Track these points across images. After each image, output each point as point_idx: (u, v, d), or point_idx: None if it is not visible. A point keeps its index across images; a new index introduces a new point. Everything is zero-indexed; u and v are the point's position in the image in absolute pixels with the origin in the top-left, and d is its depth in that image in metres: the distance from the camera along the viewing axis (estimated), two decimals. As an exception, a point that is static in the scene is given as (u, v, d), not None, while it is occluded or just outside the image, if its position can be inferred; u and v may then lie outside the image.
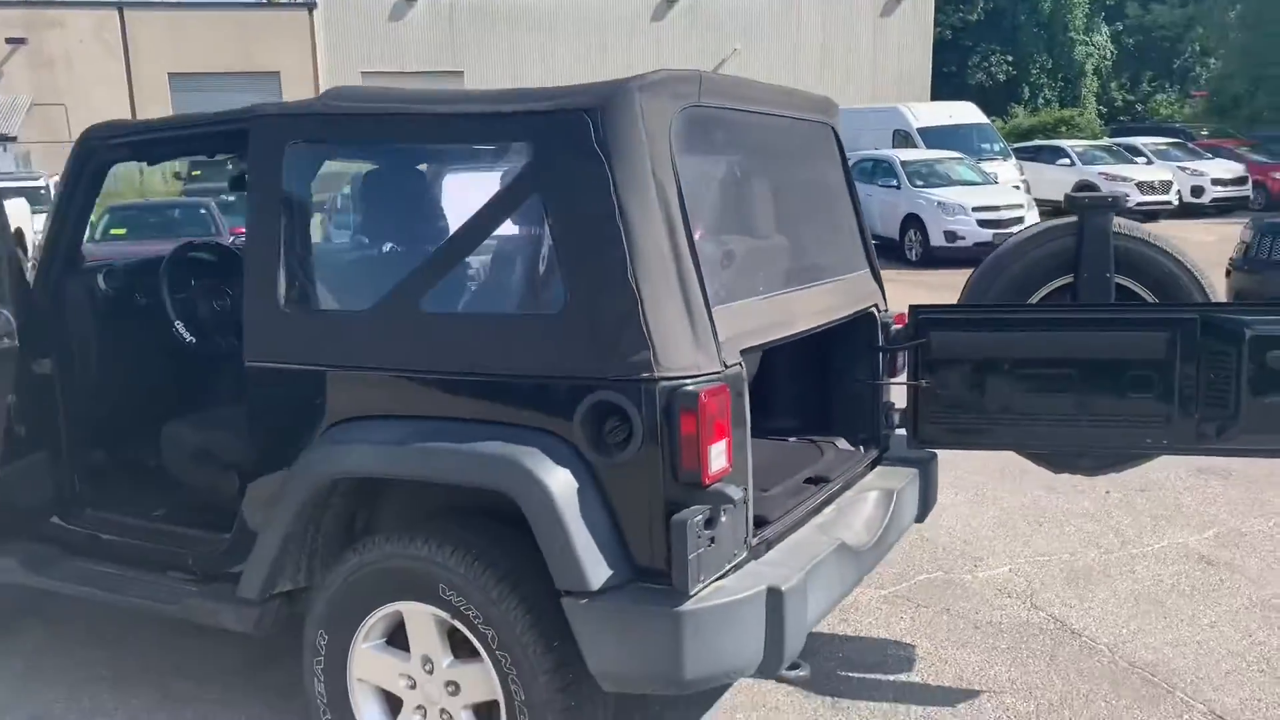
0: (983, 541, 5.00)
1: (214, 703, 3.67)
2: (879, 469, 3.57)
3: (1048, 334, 3.39)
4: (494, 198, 2.70)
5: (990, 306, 3.61)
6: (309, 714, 3.02)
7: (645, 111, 2.58)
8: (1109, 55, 43.26)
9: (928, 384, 3.48)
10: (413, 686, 2.86)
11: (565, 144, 2.57)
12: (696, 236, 2.62)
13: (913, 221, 16.07)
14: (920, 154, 18.48)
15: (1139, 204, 20.49)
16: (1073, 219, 3.62)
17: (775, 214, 3.18)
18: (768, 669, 2.61)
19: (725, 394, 2.53)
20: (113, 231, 13.63)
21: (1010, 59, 41.70)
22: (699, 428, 2.45)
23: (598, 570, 2.50)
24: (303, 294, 2.97)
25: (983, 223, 15.50)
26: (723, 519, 2.52)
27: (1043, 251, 3.66)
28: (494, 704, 2.75)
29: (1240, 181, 21.94)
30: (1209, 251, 15.16)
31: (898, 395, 3.70)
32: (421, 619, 2.79)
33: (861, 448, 3.61)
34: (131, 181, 22.51)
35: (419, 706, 2.87)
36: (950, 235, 15.62)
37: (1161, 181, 20.87)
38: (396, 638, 2.91)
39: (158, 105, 30.31)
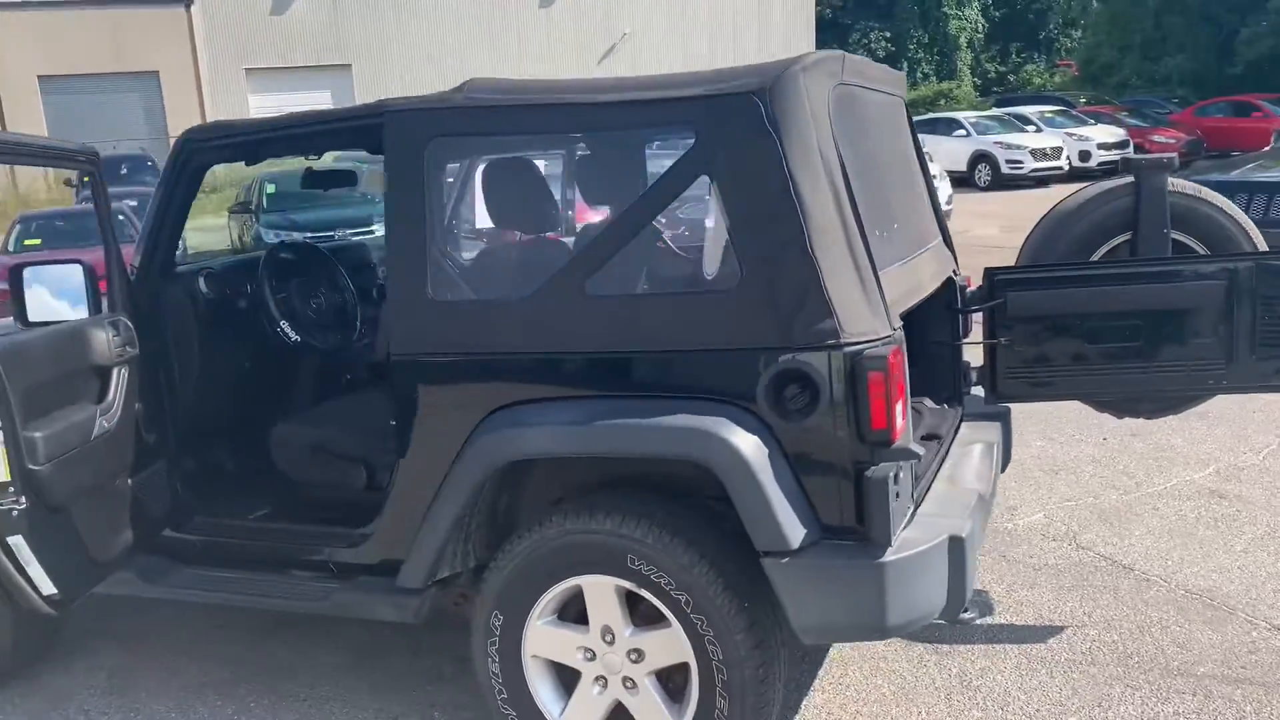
0: (1010, 491, 5.27)
1: (329, 699, 3.69)
2: (967, 424, 3.78)
3: (1115, 288, 3.63)
4: (660, 181, 2.80)
5: (1060, 265, 3.84)
6: (482, 695, 3.08)
7: (808, 90, 2.71)
8: (980, 29, 44.78)
9: (1006, 341, 3.70)
10: (591, 658, 2.95)
11: (735, 125, 2.68)
12: (855, 207, 2.76)
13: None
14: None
15: (1033, 170, 21.49)
16: (1130, 179, 3.87)
17: (891, 185, 3.34)
18: (950, 612, 2.78)
19: (901, 355, 2.68)
20: (26, 242, 13.07)
21: (888, 35, 42.86)
22: (887, 388, 2.60)
23: (795, 530, 2.64)
24: (454, 285, 3.02)
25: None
26: (903, 474, 2.68)
27: (1104, 211, 3.90)
28: (678, 667, 2.86)
29: (1123, 145, 23.06)
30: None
31: (971, 354, 3.91)
32: (602, 591, 2.88)
33: (946, 405, 3.81)
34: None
35: (599, 677, 2.95)
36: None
37: (1053, 148, 21.87)
38: (565, 612, 2.99)
39: (27, 111, 29.01)
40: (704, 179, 2.73)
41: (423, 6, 33.97)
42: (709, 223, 2.82)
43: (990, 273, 3.72)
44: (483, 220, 3.30)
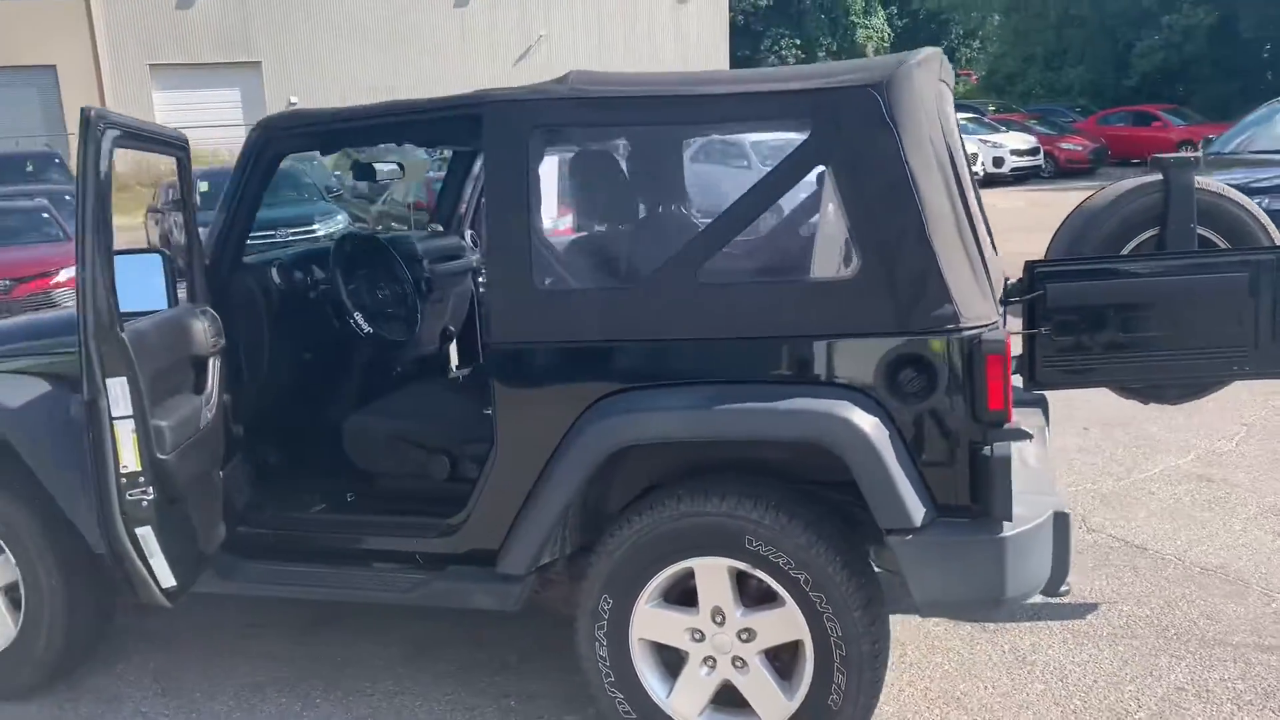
0: (1011, 479, 5.47)
1: (397, 693, 3.67)
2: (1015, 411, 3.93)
3: (1149, 280, 3.82)
4: (774, 171, 2.87)
5: (1096, 258, 4.03)
6: (589, 680, 3.11)
7: (920, 85, 2.82)
8: (886, 37, 45.89)
9: (1045, 331, 3.86)
10: (699, 639, 3.00)
11: (854, 118, 2.78)
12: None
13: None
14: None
15: (951, 175, 22.08)
16: (1158, 177, 4.08)
17: (963, 177, 3.47)
18: (1052, 586, 2.92)
19: (1010, 338, 2.81)
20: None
21: (798, 42, 43.66)
22: (1004, 370, 2.72)
23: (918, 509, 2.74)
24: (558, 274, 3.05)
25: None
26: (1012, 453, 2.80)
27: (1134, 207, 4.10)
28: (785, 646, 2.94)
29: (1034, 152, 23.90)
30: (1020, 217, 16.71)
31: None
32: (714, 572, 2.94)
33: None
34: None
35: (707, 658, 3.01)
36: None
37: (970, 154, 22.33)
38: (669, 595, 3.04)
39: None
40: (820, 169, 2.81)
41: (335, 4, 33.42)
42: (823, 213, 2.91)
43: (1030, 266, 3.88)
44: (574, 210, 3.33)
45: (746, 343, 2.88)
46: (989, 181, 22.42)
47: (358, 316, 3.62)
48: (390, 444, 3.52)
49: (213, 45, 32.67)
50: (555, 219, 3.06)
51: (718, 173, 3.09)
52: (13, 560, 3.56)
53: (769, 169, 2.87)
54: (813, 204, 2.91)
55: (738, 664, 2.99)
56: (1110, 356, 3.88)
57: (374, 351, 3.95)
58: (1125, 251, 4.14)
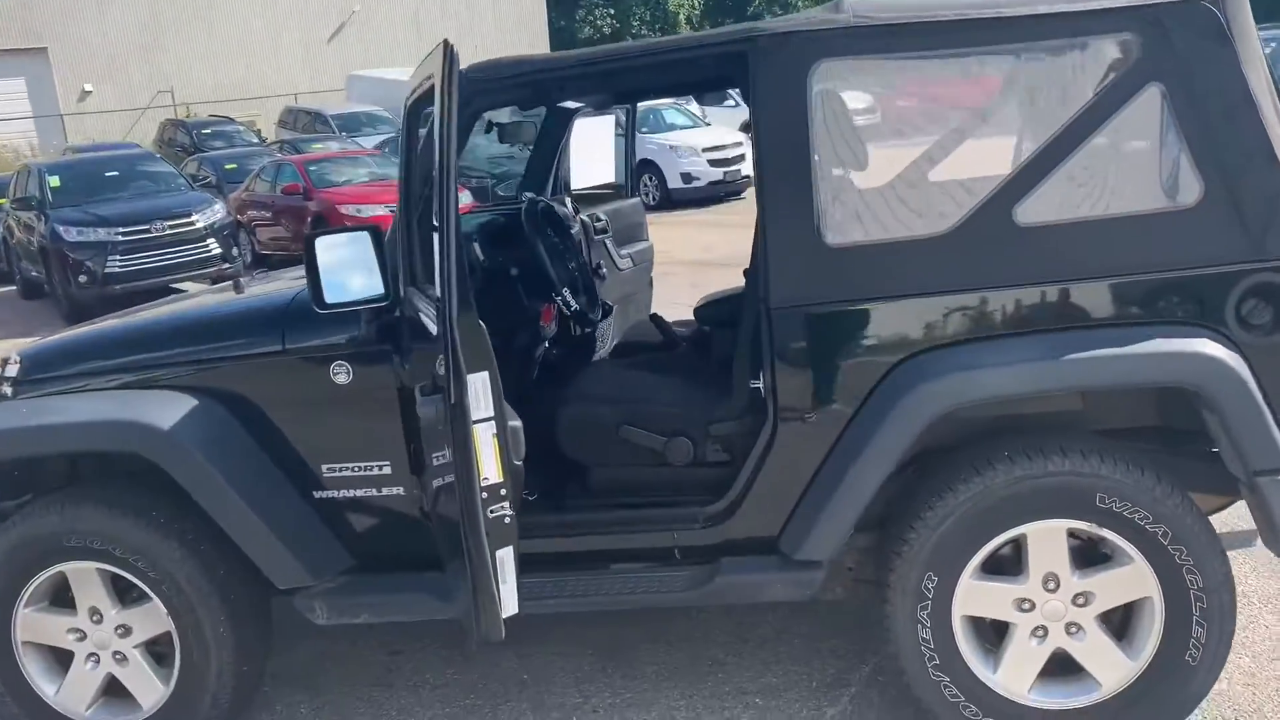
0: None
1: (615, 706, 3.30)
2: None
3: None
4: (1098, 95, 2.64)
5: None
6: (905, 668, 2.83)
7: (1244, -1, 2.65)
8: (697, 6, 46.25)
9: None
10: (1028, 609, 2.78)
11: (1190, 32, 2.58)
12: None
13: (647, 167, 16.47)
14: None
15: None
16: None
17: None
18: None
19: None
20: None
21: (612, 12, 43.41)
22: (1362, 296, 2.60)
23: (1286, 447, 2.59)
24: (849, 226, 2.74)
25: (712, 162, 16.28)
26: None
27: None
28: (1132, 605, 2.76)
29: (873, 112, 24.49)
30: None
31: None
32: (1050, 536, 2.72)
33: None
34: None
35: (1037, 628, 2.79)
36: (686, 177, 16.25)
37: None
38: (986, 565, 2.81)
39: None
40: (1153, 89, 2.61)
41: (128, -20, 30.94)
42: (1152, 138, 2.70)
43: None
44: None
45: (1075, 285, 2.66)
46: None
47: (565, 293, 3.19)
48: (618, 433, 3.11)
49: (-10, 30, 29.71)
50: (847, 162, 2.73)
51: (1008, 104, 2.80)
52: (163, 609, 2.99)
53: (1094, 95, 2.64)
54: (1136, 128, 2.70)
55: (1072, 630, 2.78)
56: None
57: (560, 332, 3.51)
58: None
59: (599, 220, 4.60)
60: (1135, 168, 2.78)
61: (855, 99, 2.86)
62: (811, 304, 2.75)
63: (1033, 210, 2.67)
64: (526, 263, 3.29)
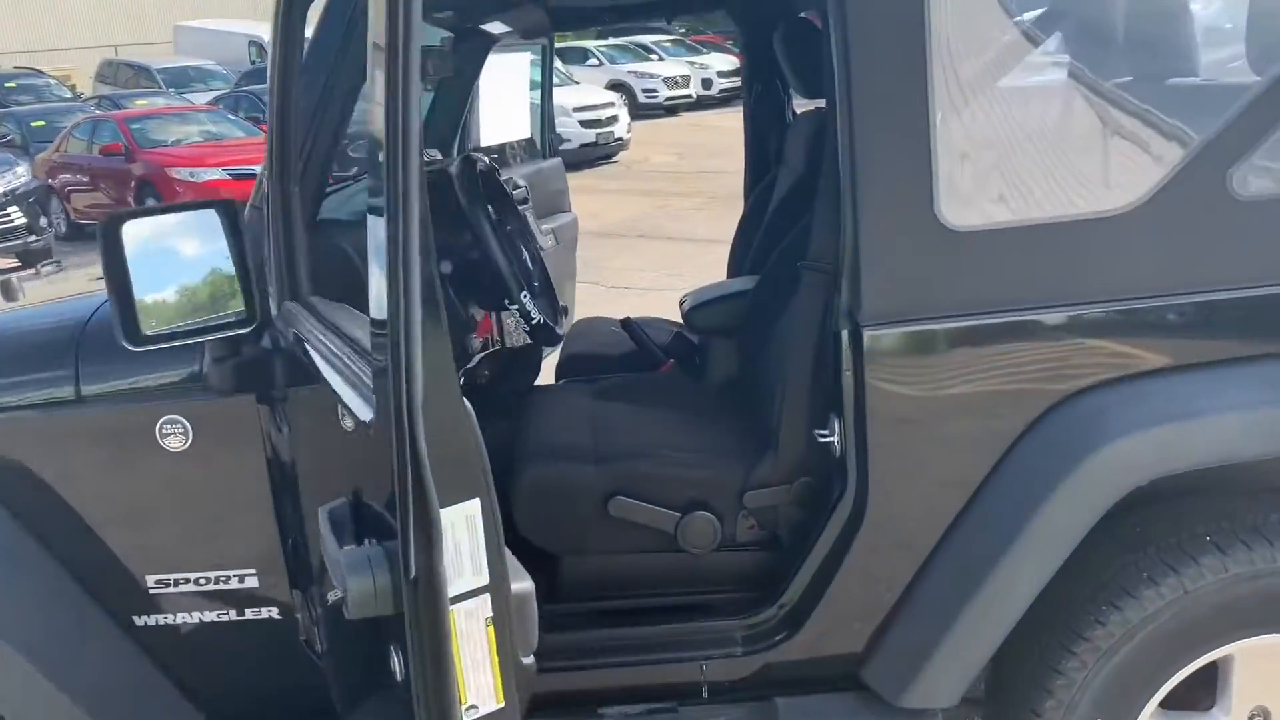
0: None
1: None
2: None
3: None
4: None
5: None
6: None
7: None
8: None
9: None
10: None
11: None
12: None
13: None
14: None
15: (668, 99, 21.69)
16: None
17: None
18: None
19: None
20: None
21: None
22: None
23: None
24: (986, 202, 1.80)
25: (584, 123, 15.26)
26: None
27: None
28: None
29: (738, 73, 23.78)
30: (736, 137, 16.43)
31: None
32: (1264, 657, 1.86)
33: None
34: None
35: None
36: (556, 139, 15.16)
37: (683, 76, 22.21)
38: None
39: None
40: None
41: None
42: None
43: None
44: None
45: None
46: (700, 104, 22.15)
47: (526, 299, 2.13)
48: (607, 506, 2.08)
49: None
50: (988, 97, 1.78)
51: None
52: None
53: None
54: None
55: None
56: None
57: (509, 351, 2.45)
58: None
59: (518, 187, 3.53)
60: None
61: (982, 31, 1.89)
62: (921, 317, 1.80)
63: (1253, 177, 1.78)
64: (458, 253, 2.22)
